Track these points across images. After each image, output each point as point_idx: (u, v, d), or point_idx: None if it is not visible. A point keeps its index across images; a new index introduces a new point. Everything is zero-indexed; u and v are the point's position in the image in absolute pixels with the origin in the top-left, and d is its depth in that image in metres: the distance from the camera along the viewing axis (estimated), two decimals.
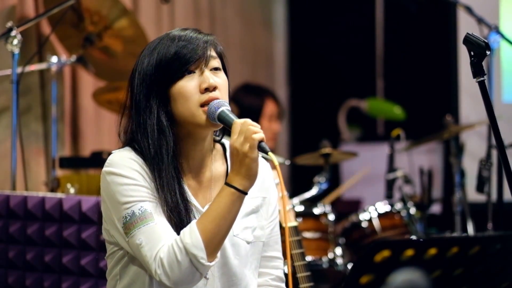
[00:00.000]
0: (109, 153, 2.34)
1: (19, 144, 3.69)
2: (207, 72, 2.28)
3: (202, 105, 2.26)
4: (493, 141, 3.87)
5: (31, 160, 4.27)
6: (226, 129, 2.29)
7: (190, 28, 2.36)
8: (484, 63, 2.28)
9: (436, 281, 1.88)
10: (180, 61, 2.27)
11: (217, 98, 2.26)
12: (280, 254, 2.47)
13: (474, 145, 5.14)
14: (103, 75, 4.50)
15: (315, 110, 6.95)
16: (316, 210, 4.11)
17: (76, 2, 3.87)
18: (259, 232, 2.39)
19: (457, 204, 4.58)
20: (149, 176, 2.25)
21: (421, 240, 3.09)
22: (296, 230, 3.16)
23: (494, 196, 4.06)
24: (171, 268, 2.15)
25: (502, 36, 4.34)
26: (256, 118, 5.09)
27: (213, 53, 2.32)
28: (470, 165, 4.68)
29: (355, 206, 5.88)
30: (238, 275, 2.34)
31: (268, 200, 2.43)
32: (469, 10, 4.38)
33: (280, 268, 2.47)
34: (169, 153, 2.27)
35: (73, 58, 4.15)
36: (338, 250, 4.08)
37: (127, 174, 2.24)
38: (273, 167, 2.28)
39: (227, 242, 2.30)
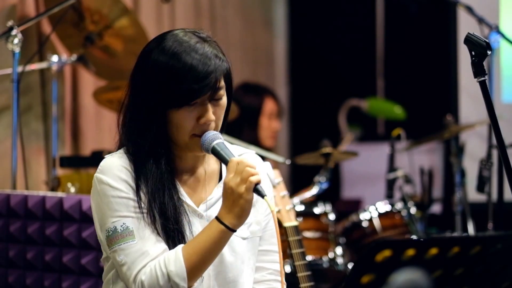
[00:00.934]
0: (109, 154, 2.34)
1: (20, 143, 3.69)
2: (209, 107, 2.24)
3: (195, 135, 2.25)
4: (494, 141, 3.88)
5: (31, 159, 4.27)
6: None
7: (203, 35, 2.31)
8: (484, 63, 2.28)
9: (437, 281, 1.88)
10: (187, 92, 2.20)
11: (210, 130, 2.24)
12: (276, 248, 2.45)
13: (475, 145, 5.14)
14: (104, 74, 4.50)
15: (315, 110, 6.95)
16: (317, 210, 4.11)
17: (76, 1, 3.87)
18: (255, 227, 2.39)
19: (458, 204, 4.58)
20: (138, 184, 2.24)
21: (422, 240, 3.09)
22: (296, 230, 3.16)
23: (494, 196, 4.06)
24: None
25: (503, 36, 4.34)
26: (255, 116, 5.10)
27: (222, 82, 2.27)
28: (471, 165, 4.68)
29: (356, 205, 5.88)
30: (235, 272, 2.34)
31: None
32: (469, 10, 4.38)
33: (276, 261, 2.46)
34: (163, 156, 2.27)
35: (74, 57, 4.15)
36: (339, 250, 4.08)
37: (116, 185, 2.24)
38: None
39: None
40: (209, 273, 2.30)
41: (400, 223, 4.31)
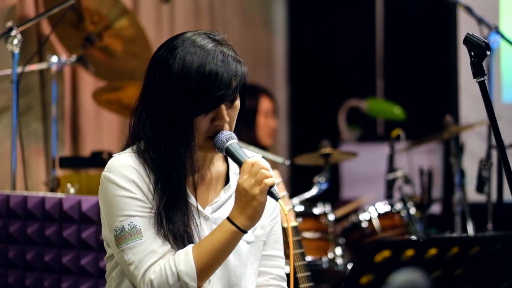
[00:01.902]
0: (110, 154, 2.34)
1: (19, 144, 3.69)
2: (224, 110, 2.24)
3: (209, 137, 2.24)
4: (493, 141, 3.88)
5: (31, 160, 4.27)
6: None
7: (218, 38, 2.28)
8: (484, 63, 2.28)
9: (436, 281, 1.88)
10: (215, 96, 2.20)
11: (224, 130, 2.24)
12: (281, 253, 2.46)
13: (474, 145, 5.14)
14: (103, 75, 4.50)
15: (315, 110, 6.95)
16: (316, 210, 4.12)
17: (76, 2, 3.86)
18: (259, 231, 2.39)
19: (457, 204, 4.58)
20: (146, 183, 2.24)
21: (421, 240, 3.09)
22: (296, 230, 3.16)
23: (494, 196, 4.06)
24: None
25: (502, 36, 4.34)
26: (252, 116, 5.11)
27: (237, 87, 2.26)
28: (470, 165, 4.68)
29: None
30: (238, 276, 2.34)
31: (269, 199, 2.43)
32: (469, 10, 4.38)
33: (281, 267, 2.46)
34: (176, 159, 2.25)
35: (73, 58, 4.15)
36: (338, 250, 4.08)
37: (124, 185, 2.23)
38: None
39: None
40: (213, 276, 2.29)
41: (399, 223, 4.31)
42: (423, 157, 5.86)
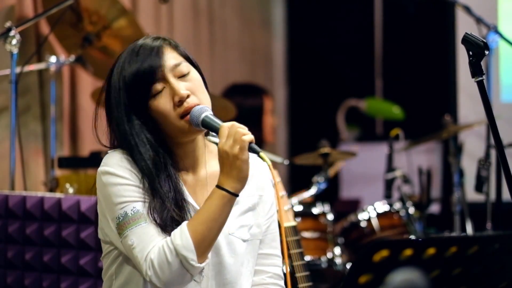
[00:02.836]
0: (106, 153, 2.35)
1: (18, 144, 3.69)
2: (175, 83, 2.26)
3: (182, 116, 2.25)
4: (492, 141, 3.88)
5: (30, 160, 4.27)
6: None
7: (148, 37, 2.39)
8: (482, 63, 2.28)
9: (434, 281, 1.89)
10: (142, 85, 2.26)
11: (195, 104, 2.25)
12: (277, 252, 2.46)
13: (473, 145, 5.14)
14: (102, 75, 4.49)
15: (314, 110, 6.95)
16: (315, 210, 4.12)
17: (74, 2, 3.86)
18: (255, 230, 2.38)
19: (456, 204, 4.58)
20: (143, 176, 2.25)
21: (420, 239, 3.09)
22: (295, 230, 3.16)
23: (492, 195, 4.06)
24: (161, 269, 2.16)
25: (501, 36, 4.34)
26: (259, 116, 5.13)
27: (174, 60, 2.30)
28: (469, 165, 4.68)
29: (354, 205, 5.88)
30: (233, 274, 2.33)
31: (265, 198, 2.43)
32: (467, 10, 4.38)
33: (277, 265, 2.45)
34: (158, 157, 2.26)
35: (72, 58, 4.15)
36: (337, 250, 4.08)
37: (121, 173, 2.24)
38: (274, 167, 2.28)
39: (222, 241, 2.30)
40: (207, 273, 2.29)
41: (398, 223, 4.31)
42: (422, 157, 5.87)
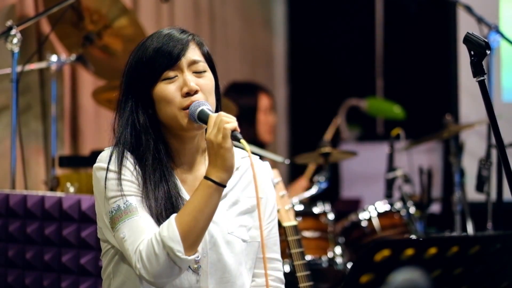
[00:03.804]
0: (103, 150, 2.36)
1: (19, 143, 3.69)
2: (188, 76, 2.28)
3: (184, 108, 2.26)
4: (493, 141, 3.87)
5: (30, 159, 4.27)
6: None
7: (176, 28, 2.36)
8: (484, 63, 2.28)
9: (436, 281, 1.89)
10: (156, 66, 2.28)
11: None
12: (278, 256, 2.46)
13: (474, 145, 5.14)
14: (103, 74, 4.50)
15: (314, 109, 6.95)
16: (316, 209, 4.11)
17: (76, 1, 3.86)
18: (254, 232, 2.38)
19: (457, 204, 4.58)
20: (138, 172, 2.26)
21: (421, 239, 3.09)
22: (295, 229, 3.16)
23: (493, 195, 4.06)
24: (149, 261, 2.15)
25: (502, 35, 4.34)
26: (252, 114, 5.13)
27: (195, 56, 2.31)
28: (470, 165, 4.68)
29: (355, 205, 5.88)
30: (233, 272, 2.33)
31: (265, 200, 2.42)
32: (469, 9, 4.38)
33: (279, 269, 2.46)
34: (154, 152, 2.27)
35: (73, 57, 4.14)
36: (338, 249, 4.08)
37: (114, 168, 2.25)
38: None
39: (221, 239, 2.30)
40: (207, 270, 2.29)
41: (399, 222, 4.31)
42: (423, 156, 5.86)
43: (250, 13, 6.71)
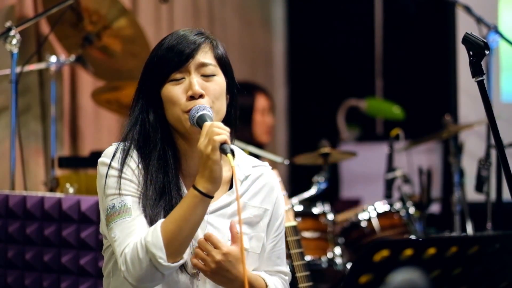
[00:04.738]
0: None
1: (18, 143, 3.69)
2: (194, 79, 2.26)
3: (187, 111, 2.25)
4: (492, 141, 3.87)
5: (30, 160, 4.27)
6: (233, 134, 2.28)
7: (194, 29, 2.35)
8: (483, 63, 2.28)
9: (435, 281, 1.89)
10: (164, 66, 2.27)
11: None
12: (285, 268, 2.45)
13: (473, 145, 5.14)
14: (102, 74, 4.50)
15: (314, 110, 6.95)
16: (315, 210, 4.11)
17: (75, 1, 3.86)
18: (255, 243, 2.36)
19: (456, 204, 4.58)
20: (140, 170, 2.26)
21: (420, 239, 3.09)
22: (295, 230, 3.16)
23: (493, 195, 4.06)
24: (133, 265, 2.15)
25: (501, 35, 4.34)
26: (249, 114, 5.12)
27: (206, 59, 2.30)
28: (469, 165, 4.68)
29: (354, 205, 5.88)
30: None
31: (270, 213, 2.40)
32: (468, 9, 4.38)
33: (285, 280, 2.45)
34: (160, 152, 2.27)
35: (72, 57, 4.15)
36: (337, 250, 4.08)
37: (116, 166, 2.25)
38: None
39: None
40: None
41: (398, 223, 4.31)
42: (422, 157, 5.87)
43: (249, 13, 6.71)
